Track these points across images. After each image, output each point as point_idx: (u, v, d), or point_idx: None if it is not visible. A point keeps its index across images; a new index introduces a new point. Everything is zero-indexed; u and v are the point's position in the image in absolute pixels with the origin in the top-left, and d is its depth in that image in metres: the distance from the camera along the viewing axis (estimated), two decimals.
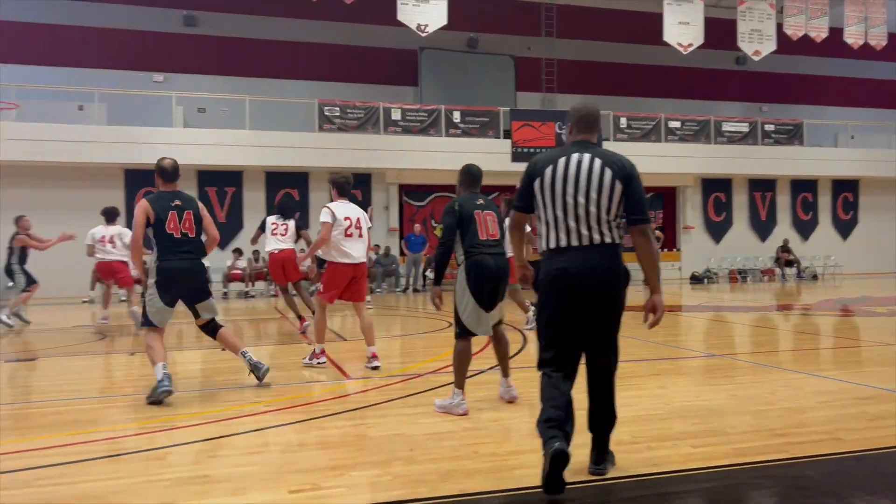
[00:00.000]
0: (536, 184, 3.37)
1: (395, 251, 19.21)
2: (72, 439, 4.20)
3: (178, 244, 5.39)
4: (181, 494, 3.21)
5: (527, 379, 5.57)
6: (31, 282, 10.84)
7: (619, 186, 3.26)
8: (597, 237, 3.27)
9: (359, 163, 18.36)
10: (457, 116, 19.06)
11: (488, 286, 4.73)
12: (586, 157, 3.32)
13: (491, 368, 6.14)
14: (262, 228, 9.46)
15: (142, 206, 5.39)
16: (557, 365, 3.34)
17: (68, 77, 18.77)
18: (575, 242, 3.29)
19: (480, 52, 22.79)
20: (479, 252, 4.73)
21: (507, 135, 19.20)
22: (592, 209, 3.25)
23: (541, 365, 3.41)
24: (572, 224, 3.29)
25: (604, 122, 19.82)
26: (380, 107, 18.67)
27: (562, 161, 3.33)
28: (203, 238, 5.67)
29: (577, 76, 23.78)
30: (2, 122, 10.72)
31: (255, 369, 5.64)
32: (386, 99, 19.86)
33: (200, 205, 5.72)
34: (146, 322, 5.40)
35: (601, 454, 3.45)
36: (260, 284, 17.52)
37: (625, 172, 3.29)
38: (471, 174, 5.09)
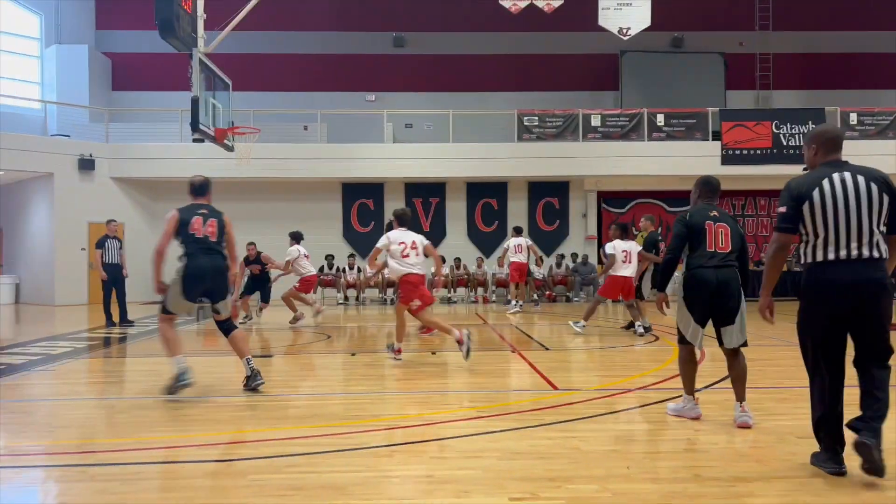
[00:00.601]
0: (805, 207, 3.58)
1: (593, 259, 18.91)
2: (312, 431, 4.66)
3: (203, 244, 5.82)
4: (410, 492, 3.44)
5: (749, 401, 5.22)
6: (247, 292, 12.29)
7: (886, 199, 3.51)
8: (866, 252, 3.49)
9: (556, 171, 18.37)
10: (660, 119, 18.34)
11: (701, 299, 4.67)
12: (848, 175, 3.56)
13: (706, 388, 5.84)
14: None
15: (172, 217, 5.87)
16: (829, 369, 3.57)
17: (293, 100, 20.89)
18: (845, 255, 3.50)
19: (686, 51, 21.77)
20: (700, 265, 4.69)
21: (717, 136, 18.10)
22: (865, 224, 3.49)
23: (814, 369, 3.66)
24: (844, 239, 3.51)
25: (830, 119, 17.96)
26: (579, 113, 18.51)
27: (826, 182, 3.56)
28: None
29: (797, 70, 21.85)
30: (249, 145, 12.19)
31: (253, 378, 5.89)
32: (585, 105, 19.67)
33: (227, 220, 6.08)
34: (165, 311, 5.92)
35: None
36: (461, 290, 18.13)
37: (888, 185, 3.53)
38: (709, 185, 5.09)
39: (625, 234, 10.32)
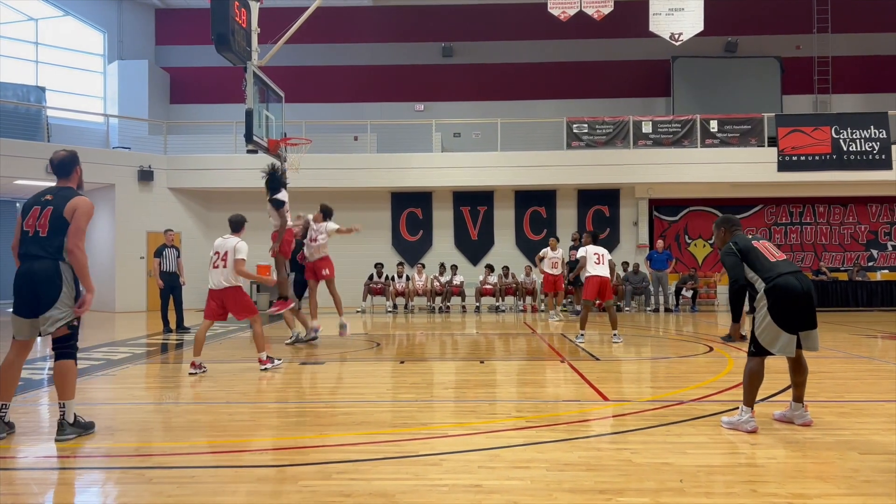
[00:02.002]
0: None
1: (644, 268, 18.58)
2: (361, 438, 4.70)
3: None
4: (459, 501, 3.43)
5: (811, 413, 5.05)
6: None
7: None
8: None
9: (606, 178, 18.17)
10: (713, 125, 17.96)
11: (792, 307, 4.69)
12: None
13: (763, 400, 5.68)
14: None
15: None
16: None
17: (343, 112, 21.22)
18: None
19: (740, 55, 21.33)
20: (780, 273, 4.76)
21: (773, 142, 17.63)
22: None
23: None
24: None
25: (893, 124, 17.31)
26: (629, 120, 18.28)
27: None
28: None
29: (857, 74, 21.17)
30: (300, 155, 12.42)
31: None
32: (636, 112, 19.43)
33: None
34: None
35: None
36: (509, 299, 18.05)
37: None
38: (733, 221, 5.28)
39: (595, 240, 10.93)
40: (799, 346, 4.81)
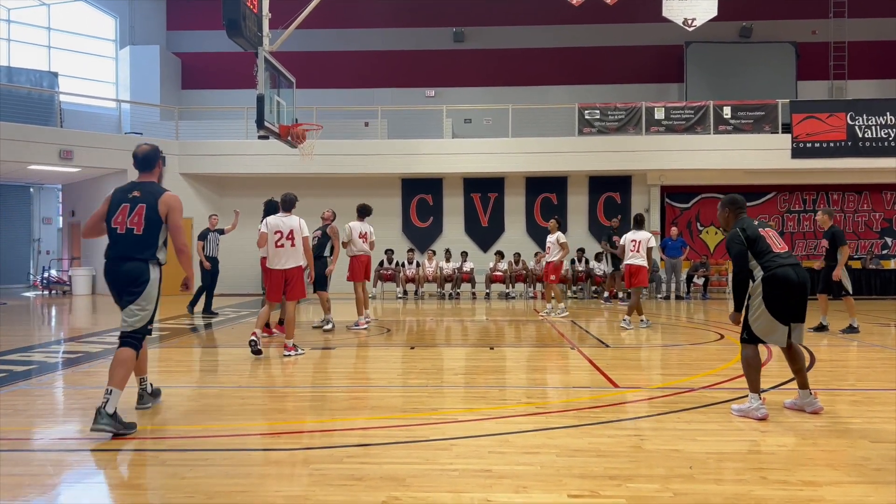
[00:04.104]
0: None
1: (655, 255, 18.50)
2: (372, 423, 4.74)
3: None
4: (468, 486, 3.46)
5: (821, 401, 5.04)
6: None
7: None
8: None
9: (618, 165, 18.05)
10: (727, 112, 17.80)
11: (787, 298, 4.74)
12: None
13: (774, 388, 5.67)
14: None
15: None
16: None
17: (354, 97, 21.18)
18: None
19: (754, 41, 21.08)
20: (780, 264, 4.78)
21: (787, 129, 17.46)
22: None
23: None
24: None
25: None
26: (642, 106, 18.13)
27: None
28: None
29: (873, 59, 20.91)
30: (312, 141, 12.43)
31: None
32: (648, 98, 19.27)
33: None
34: None
35: None
36: (519, 286, 18.05)
37: None
38: (739, 202, 5.19)
39: (638, 225, 10.81)
40: (789, 337, 4.83)
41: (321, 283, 9.95)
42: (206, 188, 19.07)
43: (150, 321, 4.88)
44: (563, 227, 19.12)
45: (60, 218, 23.10)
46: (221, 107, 20.86)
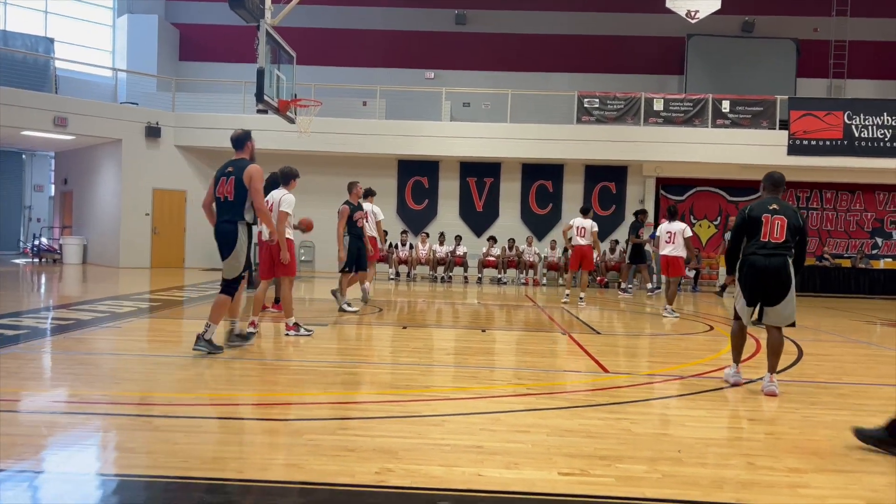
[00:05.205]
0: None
1: (649, 247, 18.57)
2: (365, 398, 4.77)
3: None
4: (460, 460, 3.49)
5: (807, 394, 5.13)
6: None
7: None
8: None
9: (615, 155, 18.05)
10: (726, 106, 17.80)
11: (752, 282, 5.23)
12: None
13: (761, 379, 5.74)
14: None
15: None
16: None
17: (353, 76, 21.04)
18: None
19: (756, 36, 21.06)
20: (753, 252, 5.26)
21: (784, 125, 17.49)
22: None
23: None
24: None
25: None
26: (641, 97, 18.12)
27: None
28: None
29: (873, 59, 20.93)
30: (310, 118, 12.36)
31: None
32: (648, 89, 19.24)
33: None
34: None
35: None
36: (511, 272, 18.09)
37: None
38: (771, 179, 5.50)
39: (672, 216, 11.15)
40: (760, 319, 5.30)
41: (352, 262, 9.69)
42: (202, 161, 18.94)
43: (242, 273, 6.04)
44: (558, 216, 19.27)
45: (52, 186, 22.92)
46: (219, 80, 20.66)
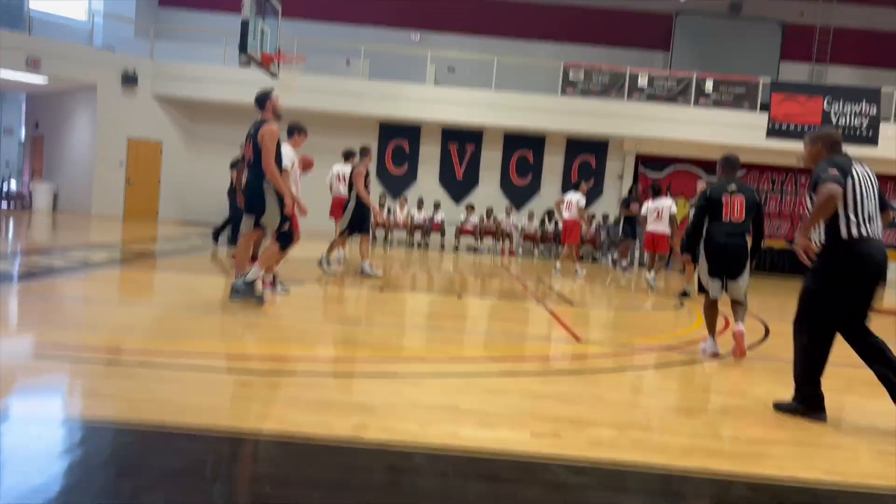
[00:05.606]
0: (848, 180, 3.92)
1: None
2: (343, 355, 4.80)
3: None
4: (436, 419, 3.55)
5: (773, 371, 5.28)
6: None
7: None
8: (880, 233, 4.01)
9: (597, 128, 18.08)
10: (709, 86, 17.88)
11: (716, 259, 5.57)
12: (861, 167, 4.04)
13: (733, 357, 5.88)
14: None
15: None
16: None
17: (338, 33, 20.65)
18: (873, 233, 3.92)
19: (744, 17, 21.09)
20: (716, 232, 5.58)
21: (765, 108, 17.64)
22: (876, 209, 3.99)
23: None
24: (870, 219, 3.93)
25: (885, 101, 17.42)
26: (626, 72, 18.09)
27: (856, 167, 4.01)
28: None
29: (856, 46, 21.08)
30: (293, 74, 12.14)
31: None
32: (633, 63, 19.20)
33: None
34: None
35: None
36: (488, 241, 18.16)
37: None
38: (728, 162, 5.87)
39: (656, 194, 11.41)
40: (725, 291, 5.63)
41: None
42: (178, 112, 18.58)
43: (281, 225, 6.30)
44: (537, 187, 19.32)
45: (23, 130, 22.31)
46: (201, 28, 20.16)
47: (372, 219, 9.61)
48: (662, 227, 11.01)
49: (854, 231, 3.88)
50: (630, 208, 14.65)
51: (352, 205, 9.27)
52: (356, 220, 9.31)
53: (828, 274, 3.97)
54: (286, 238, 6.42)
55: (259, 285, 6.49)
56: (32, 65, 15.97)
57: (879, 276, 3.93)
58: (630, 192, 16.39)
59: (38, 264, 8.26)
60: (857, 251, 3.88)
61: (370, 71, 18.81)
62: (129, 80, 17.53)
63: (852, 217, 3.89)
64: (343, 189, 10.35)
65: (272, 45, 11.23)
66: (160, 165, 18.34)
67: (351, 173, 9.48)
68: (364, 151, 9.63)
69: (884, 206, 4.04)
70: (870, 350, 3.97)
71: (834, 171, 3.90)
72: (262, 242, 7.69)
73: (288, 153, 7.20)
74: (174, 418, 3.21)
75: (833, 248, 3.94)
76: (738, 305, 5.71)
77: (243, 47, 9.87)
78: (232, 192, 10.58)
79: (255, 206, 6.25)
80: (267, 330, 5.62)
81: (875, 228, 3.94)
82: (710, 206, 5.64)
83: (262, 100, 6.34)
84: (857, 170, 3.98)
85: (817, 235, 4.04)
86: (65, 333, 4.79)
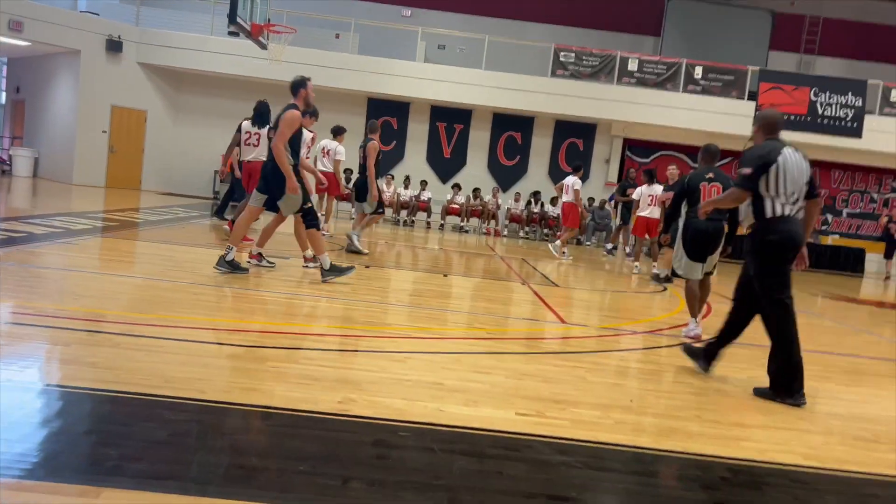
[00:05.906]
0: (772, 169, 4.17)
1: (609, 206, 18.82)
2: (328, 331, 4.80)
3: None
4: (422, 395, 3.57)
5: (752, 357, 5.35)
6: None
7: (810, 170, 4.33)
8: (800, 213, 4.31)
9: (586, 111, 18.06)
10: (698, 72, 17.89)
11: (698, 245, 5.80)
12: (790, 150, 4.27)
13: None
14: (238, 132, 9.24)
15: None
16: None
17: (328, 7, 20.36)
18: (792, 212, 4.22)
19: (735, 4, 21.07)
20: (695, 216, 5.68)
21: (753, 96, 17.71)
22: (803, 190, 4.26)
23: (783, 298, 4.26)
24: (793, 199, 4.22)
25: (871, 93, 17.56)
26: (617, 55, 18.05)
27: (785, 152, 4.23)
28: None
29: (844, 38, 21.19)
30: (282, 45, 11.96)
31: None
32: (623, 47, 19.18)
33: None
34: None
35: None
36: (474, 221, 18.16)
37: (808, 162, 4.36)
38: (708, 151, 6.18)
39: (650, 179, 11.41)
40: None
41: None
42: (164, 81, 18.30)
43: (303, 204, 6.44)
44: (524, 169, 19.31)
45: (3, 94, 21.87)
46: None
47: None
48: (656, 213, 11.04)
49: (778, 210, 4.20)
50: (627, 193, 14.72)
51: (362, 180, 9.28)
52: (364, 192, 9.31)
53: (759, 254, 4.26)
54: (310, 219, 6.60)
55: (326, 260, 6.67)
56: (14, 27, 15.62)
57: (797, 252, 4.27)
58: (627, 177, 16.41)
59: (19, 230, 8.14)
60: (779, 228, 4.18)
61: (360, 46, 18.61)
62: (114, 46, 17.20)
63: (776, 197, 4.20)
64: (328, 164, 10.28)
65: (262, 16, 11.07)
66: (144, 134, 18.10)
67: (363, 147, 9.41)
68: (374, 126, 9.55)
69: (812, 193, 4.33)
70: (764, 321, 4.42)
71: (748, 171, 4.23)
72: (297, 227, 7.49)
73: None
74: (160, 389, 3.20)
75: (760, 227, 4.26)
76: (705, 292, 6.04)
77: (232, 16, 9.72)
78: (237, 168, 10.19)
79: (273, 188, 6.32)
80: (252, 303, 5.59)
81: (796, 210, 4.26)
82: (687, 193, 5.96)
83: (297, 87, 6.45)
84: (787, 155, 4.22)
85: (748, 219, 4.37)
86: (46, 301, 4.74)
